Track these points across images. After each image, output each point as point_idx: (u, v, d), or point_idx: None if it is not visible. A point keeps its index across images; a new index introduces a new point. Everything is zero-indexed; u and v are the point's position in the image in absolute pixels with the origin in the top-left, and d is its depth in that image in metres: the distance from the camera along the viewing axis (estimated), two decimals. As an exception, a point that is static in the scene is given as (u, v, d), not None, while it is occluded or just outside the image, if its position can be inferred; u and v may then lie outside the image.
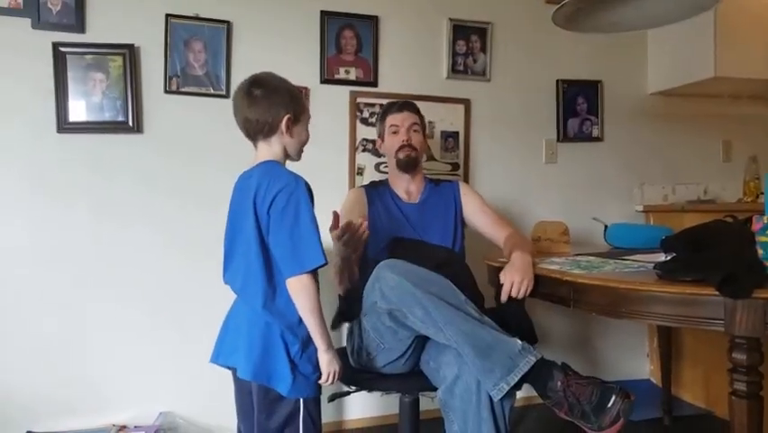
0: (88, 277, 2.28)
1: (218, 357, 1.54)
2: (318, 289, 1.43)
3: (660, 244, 1.54)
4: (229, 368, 1.53)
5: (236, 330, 1.48)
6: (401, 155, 2.07)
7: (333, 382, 1.46)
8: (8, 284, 2.21)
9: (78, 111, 2.26)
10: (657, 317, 1.43)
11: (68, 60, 2.24)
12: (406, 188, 2.13)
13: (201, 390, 2.38)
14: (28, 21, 2.20)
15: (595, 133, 2.97)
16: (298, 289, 1.38)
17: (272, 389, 1.40)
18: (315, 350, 1.44)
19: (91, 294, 2.29)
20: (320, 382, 1.45)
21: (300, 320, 1.42)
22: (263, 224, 1.41)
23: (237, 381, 1.52)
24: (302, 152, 1.58)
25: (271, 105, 1.46)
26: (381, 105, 2.56)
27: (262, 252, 1.41)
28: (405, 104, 2.15)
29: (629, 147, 3.04)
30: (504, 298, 1.69)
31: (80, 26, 2.26)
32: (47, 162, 2.24)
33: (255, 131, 1.49)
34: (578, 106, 2.93)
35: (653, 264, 1.50)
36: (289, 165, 1.57)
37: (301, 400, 1.43)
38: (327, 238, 1.81)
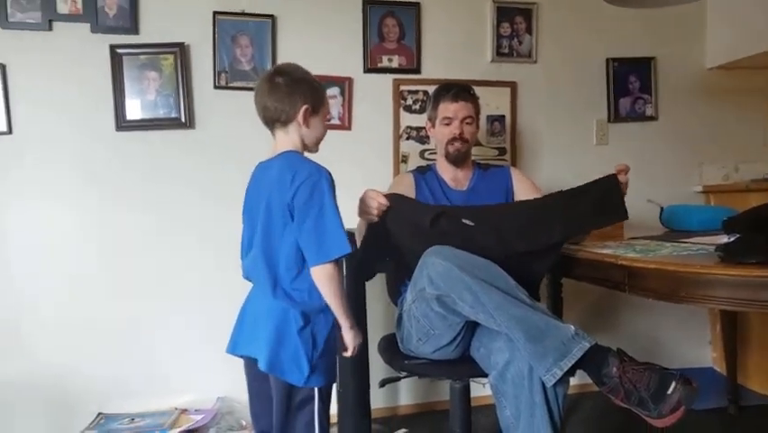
0: (150, 267, 2.38)
1: (235, 347, 1.54)
2: (343, 276, 1.46)
3: (721, 224, 1.48)
4: (245, 357, 1.54)
5: (253, 320, 1.49)
6: (451, 149, 2.03)
7: (355, 354, 1.50)
8: (79, 275, 2.32)
9: (134, 109, 2.34)
10: (720, 302, 1.38)
11: (123, 61, 2.32)
12: (454, 176, 2.10)
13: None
14: (87, 25, 2.29)
15: (649, 111, 2.86)
16: (323, 277, 1.40)
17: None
18: (330, 340, 1.46)
19: (152, 285, 2.38)
20: (345, 354, 1.49)
21: (319, 311, 1.43)
22: (285, 213, 1.41)
23: (251, 367, 1.52)
24: (319, 144, 1.59)
25: (291, 94, 1.47)
26: (425, 91, 2.56)
27: (284, 241, 1.42)
28: (460, 91, 2.03)
29: (686, 125, 2.91)
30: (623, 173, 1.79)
31: (134, 28, 2.33)
32: (108, 160, 2.34)
33: (273, 118, 1.50)
34: (630, 85, 2.83)
35: (714, 246, 1.45)
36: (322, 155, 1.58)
37: (316, 388, 1.43)
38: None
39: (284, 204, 1.41)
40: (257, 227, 1.48)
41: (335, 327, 1.47)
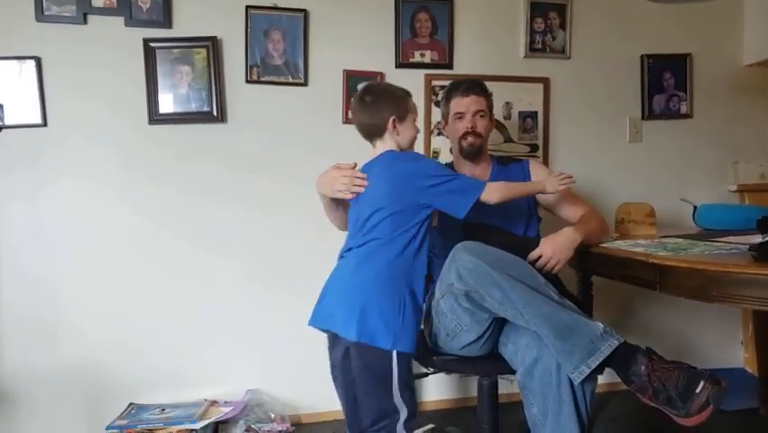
0: (181, 261, 2.41)
1: (318, 321, 1.64)
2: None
3: (756, 224, 1.46)
4: (327, 331, 1.64)
5: (340, 294, 1.60)
6: (465, 144, 2.01)
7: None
8: (109, 269, 2.36)
9: (167, 103, 2.37)
10: (753, 302, 1.37)
11: (157, 55, 2.35)
12: (471, 173, 2.05)
13: (285, 369, 2.49)
14: (121, 19, 2.32)
15: (683, 109, 2.82)
16: (493, 197, 1.64)
17: (373, 346, 1.50)
18: (417, 310, 1.57)
19: (183, 278, 2.42)
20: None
21: (409, 283, 1.55)
22: (391, 191, 1.59)
23: (335, 340, 1.62)
24: (413, 143, 1.75)
25: (378, 110, 1.67)
26: (455, 86, 2.56)
27: (385, 214, 1.58)
28: (470, 86, 2.01)
29: (721, 123, 2.86)
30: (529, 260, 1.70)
31: (168, 22, 2.36)
32: (140, 152, 2.37)
33: (370, 132, 1.70)
34: (664, 82, 2.78)
35: (747, 246, 1.43)
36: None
37: (394, 352, 1.50)
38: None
39: (391, 182, 1.60)
40: (369, 212, 1.61)
41: (417, 298, 1.57)
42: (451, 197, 1.60)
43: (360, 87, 1.80)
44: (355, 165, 1.70)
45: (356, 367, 1.55)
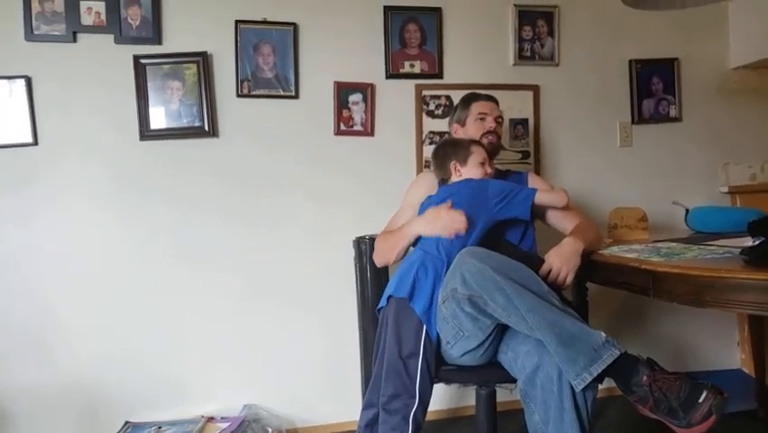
0: (175, 277, 2.40)
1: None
2: None
3: (747, 227, 1.47)
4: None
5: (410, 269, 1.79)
6: (485, 141, 2.04)
7: None
8: (105, 285, 2.35)
9: (158, 119, 2.37)
10: (745, 306, 1.37)
11: (147, 71, 2.35)
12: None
13: (282, 384, 2.48)
14: (111, 36, 2.32)
15: (672, 113, 2.84)
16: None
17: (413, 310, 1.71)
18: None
19: (178, 294, 2.40)
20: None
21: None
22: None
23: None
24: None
25: (440, 163, 1.96)
26: (448, 96, 2.58)
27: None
28: (490, 96, 2.15)
29: (711, 126, 2.88)
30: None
31: (157, 38, 2.36)
32: (133, 168, 2.36)
33: (441, 178, 1.98)
34: (653, 86, 2.80)
35: (739, 249, 1.43)
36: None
37: (425, 327, 1.69)
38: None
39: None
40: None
41: None
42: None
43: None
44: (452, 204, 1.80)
45: None
